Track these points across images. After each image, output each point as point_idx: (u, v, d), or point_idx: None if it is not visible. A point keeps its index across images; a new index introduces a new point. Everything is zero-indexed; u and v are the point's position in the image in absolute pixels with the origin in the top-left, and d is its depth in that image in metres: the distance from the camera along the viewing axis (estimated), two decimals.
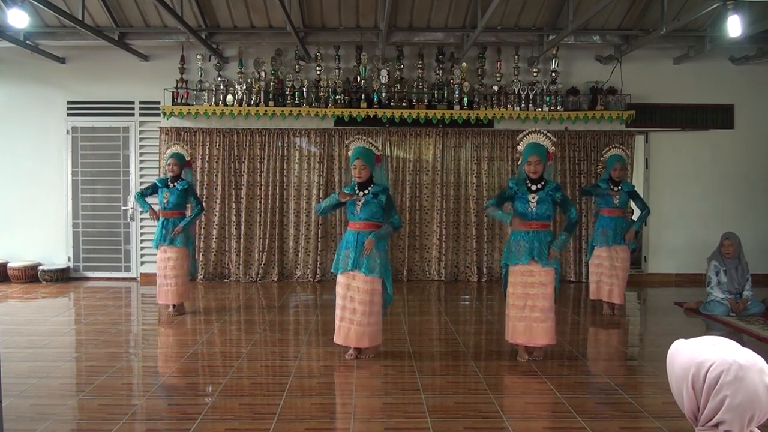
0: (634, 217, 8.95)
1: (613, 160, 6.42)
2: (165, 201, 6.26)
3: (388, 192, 4.83)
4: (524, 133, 4.90)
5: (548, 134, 4.82)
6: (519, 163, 4.93)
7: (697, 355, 1.40)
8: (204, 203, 8.41)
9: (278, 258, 8.55)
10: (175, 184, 6.28)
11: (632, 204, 6.75)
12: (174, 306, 6.39)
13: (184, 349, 5.23)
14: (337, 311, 4.79)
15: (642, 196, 8.70)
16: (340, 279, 4.78)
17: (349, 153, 4.91)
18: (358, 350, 4.86)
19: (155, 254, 6.61)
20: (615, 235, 6.39)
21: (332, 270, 4.89)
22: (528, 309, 4.68)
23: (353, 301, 4.71)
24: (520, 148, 4.89)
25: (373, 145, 4.89)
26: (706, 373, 1.36)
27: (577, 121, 8.42)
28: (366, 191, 4.77)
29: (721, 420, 1.35)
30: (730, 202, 8.73)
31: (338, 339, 4.81)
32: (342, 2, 7.80)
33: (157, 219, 6.32)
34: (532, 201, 4.71)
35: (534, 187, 4.74)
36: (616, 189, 6.42)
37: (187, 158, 6.40)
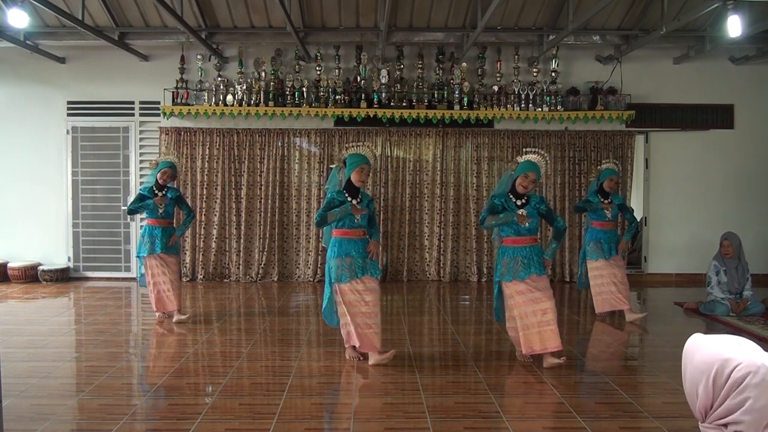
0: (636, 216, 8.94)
1: (608, 173, 6.36)
2: (161, 211, 6.18)
3: (373, 202, 4.99)
4: (530, 149, 4.93)
5: (546, 157, 4.88)
6: (512, 173, 4.84)
7: (724, 352, 1.38)
8: (204, 203, 8.44)
9: (278, 258, 8.55)
10: (165, 192, 6.22)
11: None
12: (178, 310, 6.33)
13: (184, 349, 5.23)
14: (355, 320, 4.65)
15: (642, 197, 8.77)
16: (348, 287, 4.68)
17: (345, 153, 4.85)
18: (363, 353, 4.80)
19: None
20: (609, 248, 6.34)
21: (335, 280, 4.73)
22: (540, 314, 4.63)
23: (368, 305, 4.67)
24: (520, 159, 4.85)
25: (370, 149, 4.91)
26: (732, 371, 1.35)
27: (577, 121, 8.42)
28: (359, 199, 4.78)
29: (736, 420, 1.33)
30: (730, 202, 8.73)
31: (366, 347, 4.67)
32: (342, 2, 7.80)
33: (163, 203, 6.19)
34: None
35: (519, 202, 4.77)
36: (607, 202, 6.38)
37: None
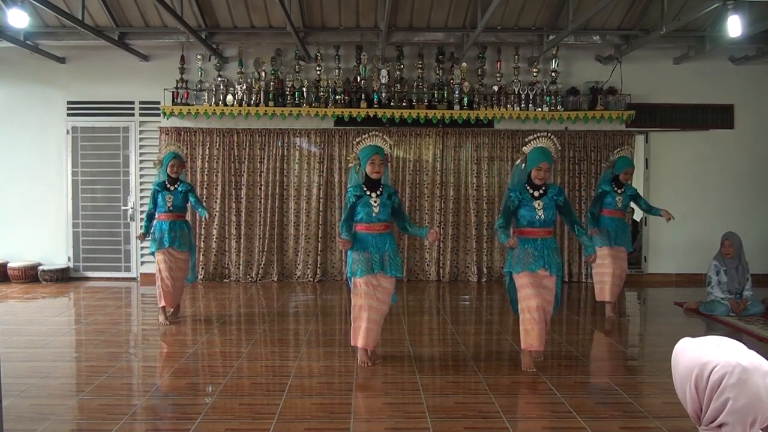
0: (636, 217, 8.89)
1: (625, 164, 6.32)
2: (169, 204, 6.06)
3: (397, 193, 4.80)
4: (533, 136, 4.73)
5: (554, 138, 4.72)
6: (523, 166, 4.69)
7: (701, 356, 1.39)
8: (204, 203, 8.38)
9: (278, 258, 8.55)
10: (176, 186, 6.13)
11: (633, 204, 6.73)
12: (175, 311, 6.32)
13: (184, 349, 5.23)
14: (363, 314, 4.58)
15: (642, 196, 8.74)
16: (364, 281, 4.57)
17: (356, 150, 4.70)
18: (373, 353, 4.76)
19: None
20: (617, 236, 6.31)
21: (350, 274, 4.65)
22: (546, 313, 4.55)
23: (379, 302, 4.60)
24: (527, 149, 4.69)
25: (386, 142, 4.74)
26: (710, 374, 1.35)
27: (577, 121, 8.41)
28: (379, 191, 4.64)
29: (723, 422, 1.34)
30: (730, 202, 8.73)
31: (362, 341, 4.61)
32: (342, 2, 7.80)
33: (143, 239, 6.19)
34: (539, 208, 4.56)
35: (536, 193, 4.61)
36: (620, 191, 6.38)
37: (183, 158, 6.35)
